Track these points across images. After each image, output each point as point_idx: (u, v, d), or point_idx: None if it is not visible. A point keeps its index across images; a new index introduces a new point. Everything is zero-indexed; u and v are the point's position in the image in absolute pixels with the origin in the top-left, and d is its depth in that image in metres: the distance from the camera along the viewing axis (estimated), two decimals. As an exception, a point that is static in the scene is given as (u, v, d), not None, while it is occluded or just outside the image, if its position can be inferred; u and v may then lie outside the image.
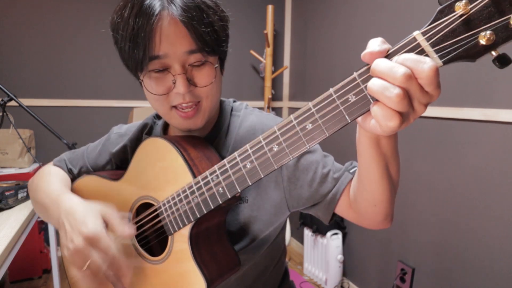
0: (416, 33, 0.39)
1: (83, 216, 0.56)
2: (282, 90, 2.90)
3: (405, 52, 0.39)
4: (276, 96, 2.89)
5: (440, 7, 0.38)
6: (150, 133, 0.77)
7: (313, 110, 0.44)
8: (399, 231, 1.78)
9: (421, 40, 0.38)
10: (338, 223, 2.19)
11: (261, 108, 2.83)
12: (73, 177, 0.81)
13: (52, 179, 0.75)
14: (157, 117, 0.79)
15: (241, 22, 2.72)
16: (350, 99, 0.41)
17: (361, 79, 0.41)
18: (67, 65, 2.37)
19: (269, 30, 2.55)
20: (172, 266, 0.61)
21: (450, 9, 0.37)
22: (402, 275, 1.69)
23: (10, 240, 0.99)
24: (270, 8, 2.54)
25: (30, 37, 2.28)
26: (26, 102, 2.16)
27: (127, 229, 0.57)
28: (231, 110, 0.74)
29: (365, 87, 0.40)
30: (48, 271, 2.26)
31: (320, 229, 2.19)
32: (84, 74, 2.41)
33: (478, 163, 1.39)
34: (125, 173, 0.69)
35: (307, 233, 2.33)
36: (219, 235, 0.63)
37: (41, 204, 0.71)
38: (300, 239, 2.67)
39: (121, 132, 0.80)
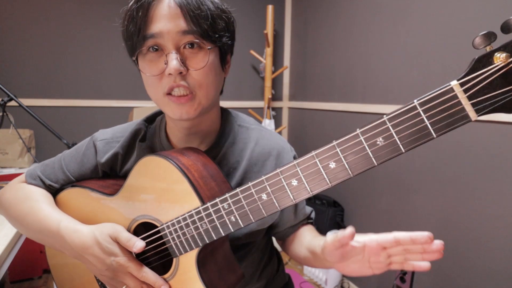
0: (454, 84, 0.37)
1: (101, 250, 0.61)
2: (282, 90, 2.90)
3: (440, 101, 0.37)
4: (276, 96, 2.89)
5: (478, 56, 0.36)
6: (144, 139, 0.74)
7: (338, 149, 0.44)
8: (398, 231, 1.78)
9: (459, 91, 0.37)
10: (338, 223, 2.19)
11: (261, 108, 2.84)
12: (54, 193, 0.77)
13: (37, 205, 0.71)
14: (148, 121, 0.77)
15: (241, 22, 2.70)
16: (378, 143, 0.42)
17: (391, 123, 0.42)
18: (67, 65, 2.37)
19: (269, 30, 2.55)
20: (178, 286, 0.62)
21: (488, 59, 0.35)
22: (402, 275, 1.69)
23: (10, 240, 0.99)
24: (270, 8, 2.54)
25: (30, 37, 2.27)
26: (26, 102, 2.16)
27: (138, 243, 0.60)
28: (236, 122, 0.74)
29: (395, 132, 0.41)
30: (48, 271, 2.26)
31: (320, 229, 2.18)
32: (84, 74, 2.41)
33: (478, 163, 1.39)
34: (121, 189, 0.67)
35: (307, 233, 2.32)
36: (224, 250, 0.64)
37: (30, 229, 0.70)
38: (300, 239, 2.67)
39: (107, 139, 0.75)
